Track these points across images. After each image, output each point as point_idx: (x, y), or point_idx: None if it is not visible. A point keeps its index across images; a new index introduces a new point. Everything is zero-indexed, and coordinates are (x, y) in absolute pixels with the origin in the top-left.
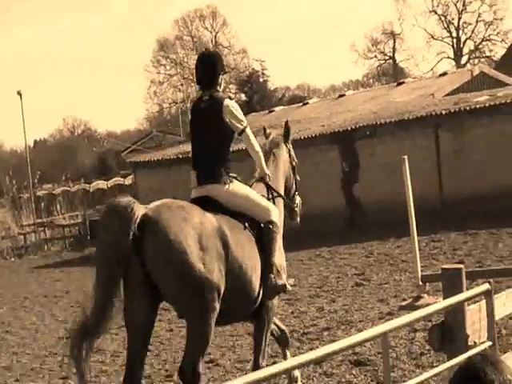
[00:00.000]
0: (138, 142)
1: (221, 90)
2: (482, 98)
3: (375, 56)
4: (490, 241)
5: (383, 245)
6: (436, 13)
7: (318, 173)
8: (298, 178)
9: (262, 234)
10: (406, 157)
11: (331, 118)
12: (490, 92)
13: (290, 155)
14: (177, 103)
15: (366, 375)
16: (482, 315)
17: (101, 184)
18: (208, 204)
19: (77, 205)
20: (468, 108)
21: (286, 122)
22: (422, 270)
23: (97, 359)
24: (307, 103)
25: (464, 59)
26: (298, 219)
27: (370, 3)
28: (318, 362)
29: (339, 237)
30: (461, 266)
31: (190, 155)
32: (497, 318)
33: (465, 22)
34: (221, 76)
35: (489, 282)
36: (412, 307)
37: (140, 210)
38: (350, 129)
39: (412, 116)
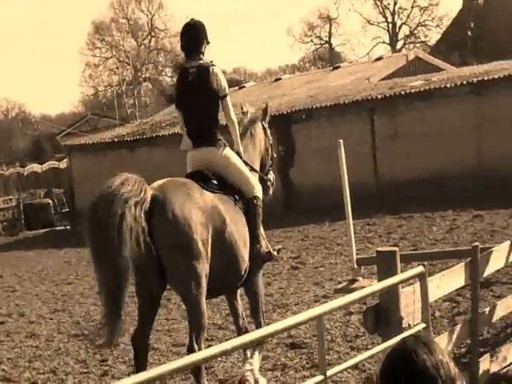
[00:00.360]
0: (73, 125)
1: (204, 59)
2: (416, 82)
3: (311, 40)
4: (424, 224)
5: (319, 228)
6: None
7: None
8: (274, 155)
9: (249, 208)
10: (341, 141)
11: (267, 102)
12: (425, 77)
13: (265, 133)
14: (112, 86)
15: (301, 358)
16: (416, 297)
17: (35, 167)
18: (203, 179)
19: (11, 188)
20: (403, 92)
21: (266, 105)
22: (357, 253)
23: (30, 344)
24: (243, 87)
25: (399, 44)
26: (271, 193)
27: None
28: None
29: (275, 220)
30: (395, 248)
31: (125, 138)
32: (431, 300)
33: (400, 7)
34: (205, 45)
35: (423, 265)
36: (347, 290)
37: (149, 191)
38: (286, 112)
39: (348, 100)
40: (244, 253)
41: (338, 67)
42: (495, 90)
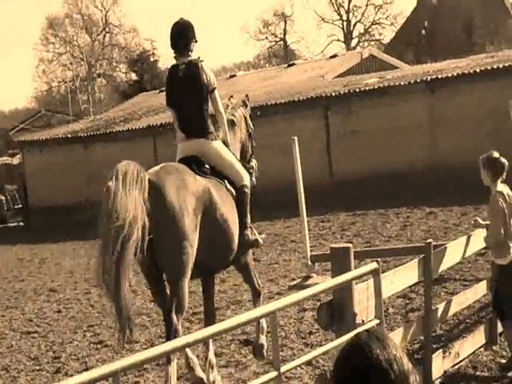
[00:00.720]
0: (26, 120)
1: (192, 56)
2: (371, 80)
3: (266, 37)
4: (378, 221)
5: (273, 225)
6: None
7: None
8: (254, 143)
9: (238, 196)
10: (295, 138)
11: (222, 99)
12: (379, 74)
13: (246, 122)
14: (66, 82)
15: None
16: (369, 294)
17: None
18: (196, 164)
19: None
20: (357, 90)
21: (246, 95)
22: (311, 250)
23: None
24: None
25: (354, 42)
26: (254, 180)
27: None
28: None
29: None
30: (349, 245)
31: (79, 134)
32: (384, 296)
33: (355, 6)
34: (193, 43)
35: (376, 261)
36: (301, 287)
37: (146, 176)
38: None
39: (302, 97)
40: (234, 237)
41: (293, 64)
42: (448, 88)
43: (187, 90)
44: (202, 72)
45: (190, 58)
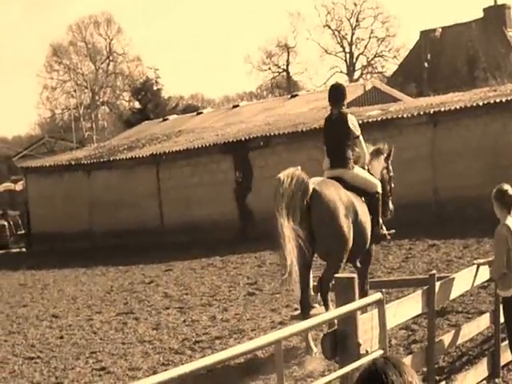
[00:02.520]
0: (29, 147)
1: (344, 109)
2: (373, 112)
3: (269, 68)
4: (380, 253)
5: (275, 255)
6: (330, 27)
7: (211, 182)
8: (392, 185)
9: (372, 200)
10: (299, 167)
11: (225, 128)
12: (382, 106)
13: (387, 167)
14: (69, 109)
15: (257, 383)
16: (373, 324)
17: None
18: (338, 181)
19: None
20: (360, 122)
21: (392, 148)
22: (313, 281)
23: None
24: (201, 113)
25: (357, 74)
26: (389, 216)
27: (265, 16)
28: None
29: (232, 246)
30: (354, 275)
31: (82, 161)
32: (388, 327)
33: (358, 38)
34: (344, 100)
35: (381, 292)
36: (303, 317)
37: (311, 185)
38: (243, 139)
39: (305, 128)
40: (368, 233)
41: (296, 95)
42: (451, 121)
43: (336, 133)
44: (349, 122)
45: (341, 110)
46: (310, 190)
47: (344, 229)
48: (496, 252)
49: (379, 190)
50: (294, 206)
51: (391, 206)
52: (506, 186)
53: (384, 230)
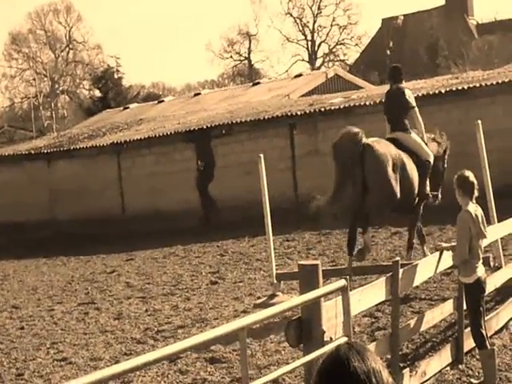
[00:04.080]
0: None
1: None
2: (336, 99)
3: (231, 56)
4: (343, 240)
5: (238, 243)
6: (292, 15)
7: (173, 171)
8: (445, 166)
9: (423, 166)
10: (261, 155)
11: (187, 117)
12: (345, 94)
13: (443, 160)
14: (29, 98)
15: (221, 372)
16: (338, 311)
17: None
18: (395, 142)
19: None
20: (323, 109)
21: (448, 145)
22: (276, 269)
23: None
24: (163, 101)
25: (318, 62)
26: (439, 199)
27: (226, 3)
28: (172, 358)
29: (194, 235)
30: (317, 262)
31: (42, 150)
32: (352, 314)
33: (320, 26)
34: (401, 77)
35: (345, 278)
36: (267, 305)
37: (363, 139)
38: (205, 127)
39: (268, 116)
40: (415, 190)
41: (258, 83)
42: None
43: (395, 103)
44: (406, 95)
45: (399, 85)
46: (362, 143)
47: (392, 181)
48: (458, 238)
49: (431, 160)
50: (348, 158)
51: (439, 195)
52: (467, 173)
53: (428, 191)
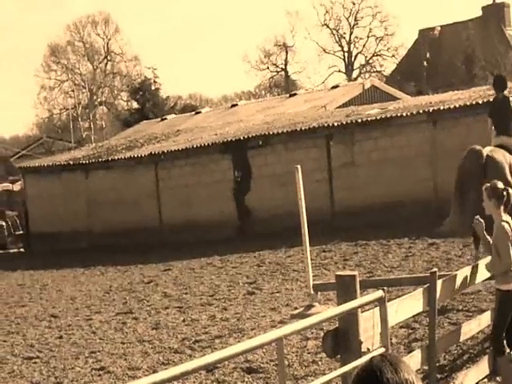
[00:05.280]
0: (27, 147)
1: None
2: (372, 110)
3: (267, 67)
4: (379, 251)
5: (275, 254)
6: (328, 26)
7: (210, 182)
8: None
9: None
10: (298, 166)
11: (223, 128)
12: (381, 105)
13: None
14: (67, 109)
15: (258, 382)
16: (375, 322)
17: None
18: (504, 148)
19: None
20: (359, 120)
21: None
22: (313, 280)
23: None
24: (200, 112)
25: (355, 73)
26: None
27: (263, 14)
28: (210, 368)
29: (231, 246)
30: (355, 272)
31: (80, 161)
32: (389, 325)
33: (356, 37)
34: (507, 86)
35: (382, 289)
36: (303, 316)
37: (484, 152)
38: (242, 138)
39: (304, 127)
40: None
41: (295, 94)
42: (450, 119)
43: (501, 110)
44: (509, 101)
45: (504, 93)
46: (484, 156)
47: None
48: (501, 248)
49: None
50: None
51: None
52: (500, 183)
53: None
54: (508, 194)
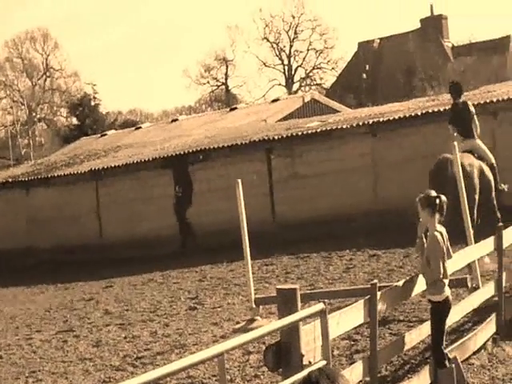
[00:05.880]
0: None
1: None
2: (313, 123)
3: (208, 82)
4: (321, 264)
5: (216, 268)
6: (268, 40)
7: (151, 197)
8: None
9: (492, 168)
10: (239, 180)
11: (164, 143)
12: (321, 118)
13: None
14: (6, 126)
15: None
16: (316, 335)
17: None
18: (471, 152)
19: None
20: (300, 133)
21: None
22: (255, 293)
23: None
24: (140, 127)
25: (295, 86)
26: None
27: (203, 29)
28: None
29: (173, 261)
30: (296, 286)
31: (20, 178)
32: (331, 337)
33: (296, 50)
34: (463, 92)
35: (323, 302)
36: (245, 330)
37: (454, 160)
38: (183, 153)
39: (245, 141)
40: (493, 188)
41: (235, 108)
42: (390, 131)
43: (463, 114)
44: (469, 106)
45: (462, 100)
46: (454, 163)
47: (476, 187)
48: (433, 258)
49: (494, 162)
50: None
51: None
52: (433, 192)
53: (502, 186)
54: (441, 201)
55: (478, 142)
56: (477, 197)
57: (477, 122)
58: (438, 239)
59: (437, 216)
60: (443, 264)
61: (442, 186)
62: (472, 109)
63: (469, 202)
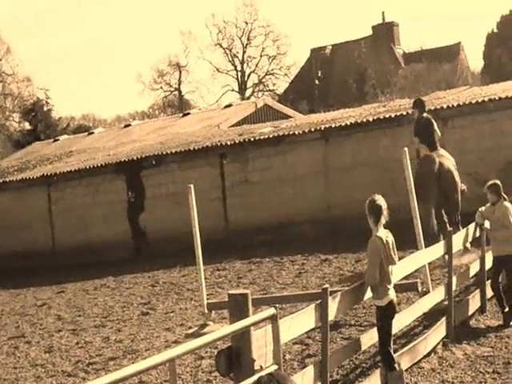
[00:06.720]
0: None
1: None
2: (265, 129)
3: (161, 87)
4: (273, 269)
5: (169, 274)
6: (221, 46)
7: (103, 203)
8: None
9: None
10: (191, 186)
11: (117, 148)
12: (274, 123)
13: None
14: None
15: None
16: (267, 339)
17: None
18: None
19: None
20: (252, 139)
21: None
22: (207, 298)
23: None
24: (92, 133)
25: (248, 92)
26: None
27: (156, 34)
28: None
29: (125, 266)
30: (247, 291)
31: None
32: (282, 341)
33: (249, 56)
34: (425, 107)
35: (274, 307)
36: (198, 335)
37: (437, 159)
38: (135, 158)
39: (197, 146)
40: (458, 188)
41: (188, 114)
42: (342, 137)
43: (428, 128)
44: (431, 120)
45: (425, 115)
46: (437, 162)
47: (458, 186)
48: (369, 263)
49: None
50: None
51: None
52: (377, 197)
53: (462, 186)
54: (383, 207)
55: (442, 151)
56: (458, 196)
57: (438, 132)
58: (377, 244)
59: (382, 220)
60: (383, 269)
61: (427, 183)
62: (434, 122)
63: (452, 202)
